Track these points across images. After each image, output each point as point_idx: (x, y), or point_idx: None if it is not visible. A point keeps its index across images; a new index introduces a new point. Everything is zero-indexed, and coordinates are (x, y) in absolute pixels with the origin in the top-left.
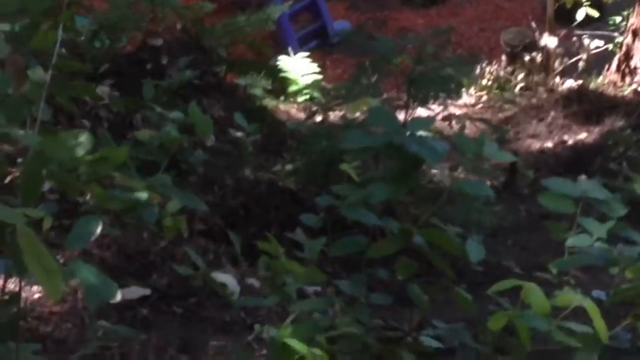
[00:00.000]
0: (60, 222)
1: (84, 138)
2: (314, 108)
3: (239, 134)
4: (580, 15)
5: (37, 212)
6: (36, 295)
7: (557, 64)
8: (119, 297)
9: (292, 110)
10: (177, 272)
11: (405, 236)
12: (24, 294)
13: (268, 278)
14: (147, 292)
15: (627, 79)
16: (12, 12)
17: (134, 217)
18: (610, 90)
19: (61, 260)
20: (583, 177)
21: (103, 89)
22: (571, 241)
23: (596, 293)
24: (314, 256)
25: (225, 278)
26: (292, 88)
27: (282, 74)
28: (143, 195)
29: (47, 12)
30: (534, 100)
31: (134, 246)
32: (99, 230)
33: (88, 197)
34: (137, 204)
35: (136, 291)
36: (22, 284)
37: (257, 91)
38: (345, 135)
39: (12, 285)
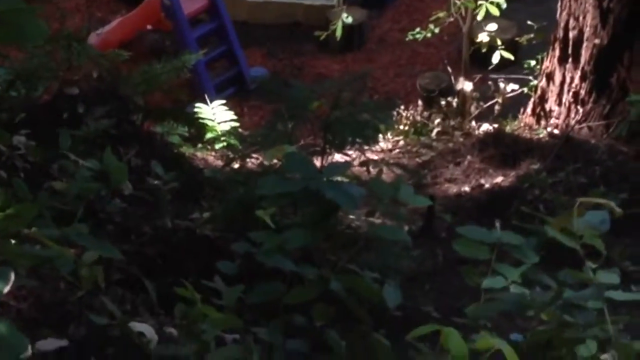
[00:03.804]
0: None
1: None
2: (231, 155)
3: (157, 182)
4: (495, 59)
5: None
6: None
7: (473, 108)
8: (29, 352)
9: (209, 157)
10: (95, 322)
11: (322, 282)
12: None
13: (185, 326)
14: (64, 343)
15: (542, 122)
16: None
17: (50, 268)
18: (526, 134)
19: None
20: (498, 223)
21: (19, 139)
22: (487, 283)
23: (514, 336)
24: (231, 303)
25: (143, 327)
26: (210, 135)
27: (199, 122)
28: (55, 250)
29: None
30: (450, 145)
31: (50, 297)
32: (10, 283)
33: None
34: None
35: (53, 342)
36: None
37: (175, 139)
38: (261, 182)
39: None
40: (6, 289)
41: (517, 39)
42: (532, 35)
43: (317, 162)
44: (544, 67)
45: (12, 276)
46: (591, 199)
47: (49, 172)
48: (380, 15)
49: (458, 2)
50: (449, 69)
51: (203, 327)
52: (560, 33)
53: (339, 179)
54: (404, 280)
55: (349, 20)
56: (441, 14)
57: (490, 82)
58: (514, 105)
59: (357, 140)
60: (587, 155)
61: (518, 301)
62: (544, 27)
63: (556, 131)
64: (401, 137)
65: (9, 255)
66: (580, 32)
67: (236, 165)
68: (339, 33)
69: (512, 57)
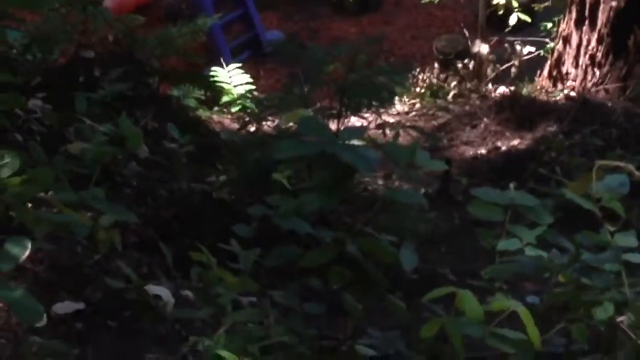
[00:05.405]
0: None
1: (9, 159)
2: (247, 118)
3: (173, 145)
4: (512, 21)
5: None
6: None
7: (489, 70)
8: (44, 320)
9: (225, 120)
10: (111, 285)
11: (339, 245)
12: None
13: (201, 289)
14: (81, 306)
15: (559, 85)
16: None
17: (66, 231)
18: (543, 96)
19: None
20: (512, 185)
21: (35, 102)
22: (502, 245)
23: (530, 298)
24: (248, 266)
25: (159, 290)
26: (226, 98)
27: (216, 85)
28: (72, 217)
29: None
30: (467, 107)
31: (67, 260)
32: (27, 252)
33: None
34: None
35: (70, 305)
36: None
37: (191, 102)
38: (277, 146)
39: None
40: (23, 257)
41: (533, 5)
42: (548, 3)
43: (333, 125)
44: (560, 29)
45: (29, 244)
46: (609, 162)
47: (65, 135)
48: None
49: None
50: (465, 31)
51: (219, 290)
52: None
53: (355, 142)
54: (420, 242)
55: None
56: None
57: (506, 45)
58: (531, 67)
59: (373, 103)
60: (604, 117)
61: (535, 263)
62: None
63: (573, 94)
64: (417, 100)
65: (26, 221)
66: None
67: (252, 129)
68: None
69: (528, 19)
